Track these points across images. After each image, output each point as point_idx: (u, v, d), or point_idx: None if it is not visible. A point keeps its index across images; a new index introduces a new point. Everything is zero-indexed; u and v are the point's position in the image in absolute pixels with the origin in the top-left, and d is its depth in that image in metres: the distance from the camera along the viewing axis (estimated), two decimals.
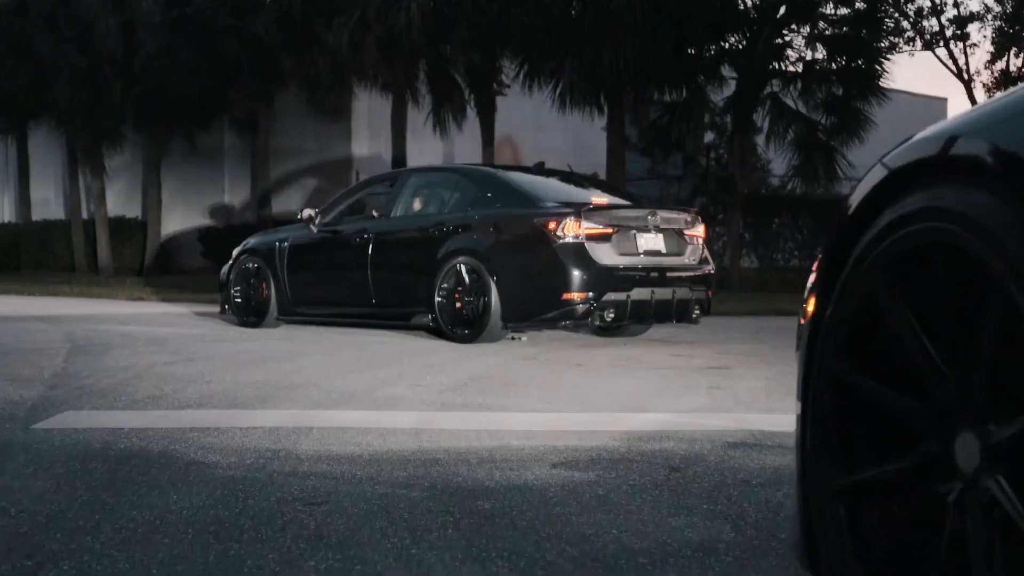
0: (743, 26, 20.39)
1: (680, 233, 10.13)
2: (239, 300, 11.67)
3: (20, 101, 28.48)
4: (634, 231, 9.75)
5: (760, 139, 21.87)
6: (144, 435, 4.59)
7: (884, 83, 20.71)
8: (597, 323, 9.61)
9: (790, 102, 20.81)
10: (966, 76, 24.87)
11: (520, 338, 10.09)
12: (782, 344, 9.83)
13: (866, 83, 20.30)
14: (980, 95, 25.74)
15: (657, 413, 5.45)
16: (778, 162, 22.28)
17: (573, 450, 4.33)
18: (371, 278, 10.65)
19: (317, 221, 11.43)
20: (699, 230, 10.39)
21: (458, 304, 9.87)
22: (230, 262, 11.97)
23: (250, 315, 11.55)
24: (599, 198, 10.55)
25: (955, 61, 24.95)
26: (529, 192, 10.25)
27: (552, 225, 9.48)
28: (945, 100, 41.83)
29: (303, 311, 11.40)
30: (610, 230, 9.60)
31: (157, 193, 29.66)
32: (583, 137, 25.79)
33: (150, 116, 27.95)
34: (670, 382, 6.83)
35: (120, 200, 32.04)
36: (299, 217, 11.74)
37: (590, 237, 9.47)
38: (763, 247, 24.03)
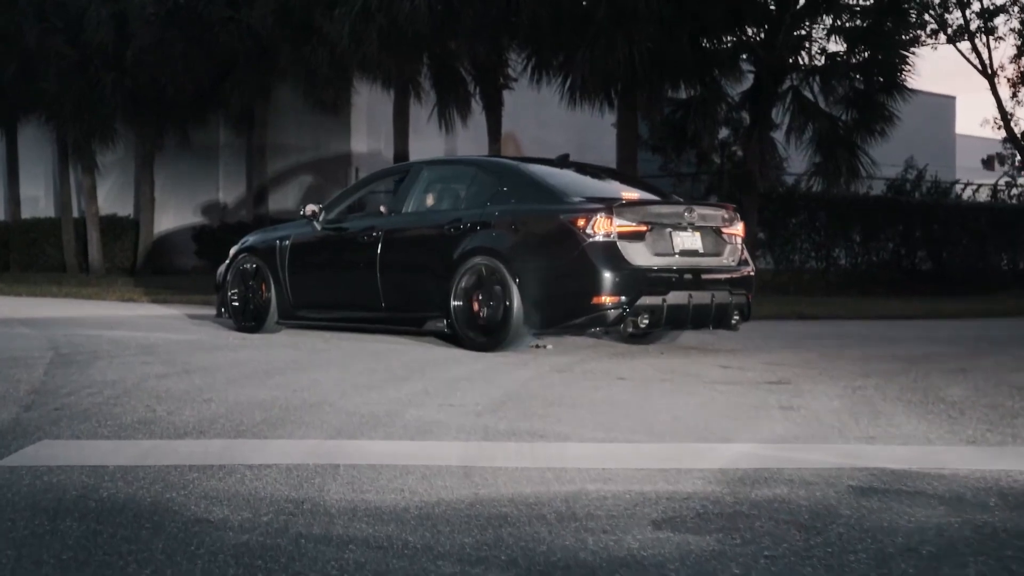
0: (762, 17, 19.53)
1: (718, 231, 9.27)
2: (237, 303, 10.79)
3: (8, 94, 27.60)
4: (669, 229, 8.89)
5: (778, 135, 21.00)
6: (133, 476, 3.74)
7: (907, 78, 19.86)
8: (630, 330, 8.76)
9: (809, 96, 19.96)
10: (990, 71, 24.04)
11: (545, 346, 9.26)
12: (831, 354, 9.04)
13: (890, 77, 19.44)
14: (1004, 91, 25.05)
15: (741, 444, 4.60)
16: (797, 159, 21.41)
17: (667, 499, 3.47)
18: (380, 280, 9.79)
19: (321, 218, 10.54)
20: (738, 228, 9.54)
21: (476, 309, 9.02)
22: (227, 262, 11.07)
23: (248, 319, 10.68)
24: (629, 193, 9.67)
25: (979, 55, 24.14)
26: (554, 186, 9.35)
27: (581, 222, 8.62)
28: (954, 98, 41.12)
29: (306, 315, 10.52)
30: (644, 228, 8.73)
31: (150, 190, 28.78)
32: (588, 134, 24.94)
33: (143, 110, 27.08)
34: (734, 400, 5.98)
35: (111, 198, 31.24)
36: (301, 214, 10.84)
37: (622, 235, 8.61)
38: (779, 248, 23.19)
